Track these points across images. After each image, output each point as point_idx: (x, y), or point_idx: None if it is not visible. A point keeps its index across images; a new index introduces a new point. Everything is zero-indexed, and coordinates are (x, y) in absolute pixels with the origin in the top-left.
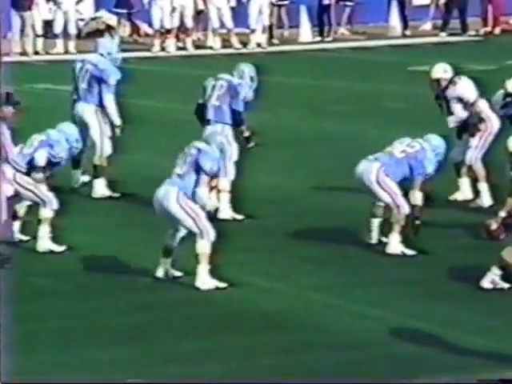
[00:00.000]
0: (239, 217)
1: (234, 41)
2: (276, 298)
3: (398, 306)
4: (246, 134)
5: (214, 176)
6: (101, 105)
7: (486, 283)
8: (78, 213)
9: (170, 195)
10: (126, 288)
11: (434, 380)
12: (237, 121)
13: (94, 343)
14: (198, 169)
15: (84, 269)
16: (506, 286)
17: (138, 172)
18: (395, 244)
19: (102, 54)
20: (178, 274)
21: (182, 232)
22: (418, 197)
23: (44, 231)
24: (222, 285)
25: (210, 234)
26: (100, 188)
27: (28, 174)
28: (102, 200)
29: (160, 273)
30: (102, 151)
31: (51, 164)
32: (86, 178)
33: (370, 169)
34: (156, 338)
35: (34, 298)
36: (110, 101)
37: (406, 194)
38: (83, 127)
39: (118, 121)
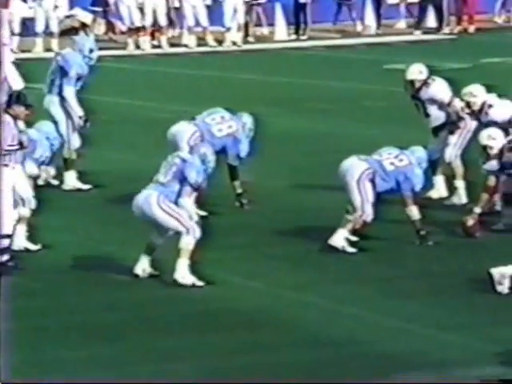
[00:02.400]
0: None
1: (210, 39)
2: (252, 296)
3: (373, 304)
4: (239, 190)
5: (197, 187)
6: (62, 96)
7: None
8: (53, 211)
9: (150, 199)
10: (101, 286)
11: (433, 380)
12: (231, 173)
13: (70, 342)
14: (183, 179)
15: (59, 267)
16: (506, 291)
17: (112, 169)
18: (339, 238)
19: (75, 50)
20: (155, 272)
21: (170, 232)
22: (414, 212)
23: (20, 230)
24: (200, 283)
25: (196, 231)
26: (70, 180)
27: None
28: (77, 198)
29: (138, 270)
30: (69, 144)
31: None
32: (85, 186)
33: (357, 166)
34: (132, 335)
35: (7, 296)
36: (69, 93)
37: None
38: (50, 120)
39: (79, 111)
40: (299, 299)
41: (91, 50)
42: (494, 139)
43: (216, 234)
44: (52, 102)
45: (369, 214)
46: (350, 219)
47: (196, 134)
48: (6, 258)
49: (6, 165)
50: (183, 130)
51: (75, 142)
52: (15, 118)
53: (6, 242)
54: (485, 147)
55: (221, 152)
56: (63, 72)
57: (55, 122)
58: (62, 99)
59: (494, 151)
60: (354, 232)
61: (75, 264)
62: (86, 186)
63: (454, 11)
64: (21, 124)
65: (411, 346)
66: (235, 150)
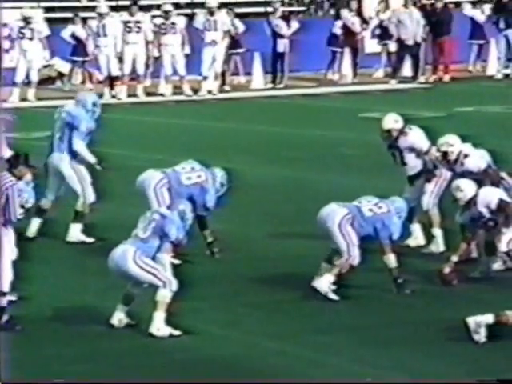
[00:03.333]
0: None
1: (186, 88)
2: (229, 345)
3: (350, 352)
4: (209, 239)
5: (178, 243)
6: (72, 153)
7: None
8: (28, 261)
9: (127, 254)
10: (77, 337)
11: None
12: (200, 223)
13: None
14: (162, 235)
15: (36, 318)
16: (483, 340)
17: (92, 218)
18: (324, 283)
19: (77, 105)
20: (131, 322)
21: (146, 284)
22: (392, 259)
23: None
24: (176, 332)
25: (173, 284)
26: (75, 232)
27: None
28: (51, 247)
29: (115, 320)
30: (85, 198)
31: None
32: (87, 238)
33: (337, 211)
34: None
35: None
36: (79, 145)
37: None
38: (57, 177)
39: (92, 159)
40: (276, 348)
41: (94, 104)
42: (461, 191)
43: (192, 284)
44: (62, 160)
45: (355, 257)
46: (335, 263)
47: (163, 181)
48: (5, 318)
49: (5, 226)
50: (150, 177)
51: (90, 196)
52: (19, 178)
53: (3, 302)
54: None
55: (188, 201)
56: (72, 128)
57: (58, 177)
58: (72, 156)
59: (461, 203)
60: (338, 276)
61: (50, 315)
62: (90, 240)
63: (430, 60)
64: None
65: None
66: (202, 200)
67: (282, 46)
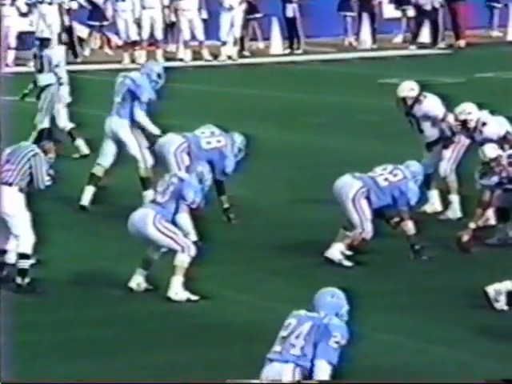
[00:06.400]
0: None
1: (205, 53)
2: (247, 310)
3: (366, 318)
4: (226, 205)
5: (196, 207)
6: (132, 119)
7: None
8: (47, 226)
9: (146, 218)
10: (95, 300)
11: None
12: (218, 188)
13: (62, 356)
14: (180, 198)
15: (53, 282)
16: (505, 307)
17: (103, 183)
18: (335, 252)
19: (142, 74)
20: (149, 287)
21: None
22: (410, 226)
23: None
24: (194, 297)
25: (191, 249)
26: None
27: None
28: (69, 212)
29: (133, 283)
30: (145, 163)
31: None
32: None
33: (351, 184)
34: (125, 350)
35: (2, 311)
36: (141, 116)
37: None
38: (115, 141)
39: (156, 131)
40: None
41: (159, 75)
42: (496, 150)
43: (210, 249)
44: (122, 126)
45: (368, 232)
46: (348, 234)
47: (183, 146)
48: (27, 280)
49: (21, 190)
50: (171, 141)
51: (149, 159)
52: (45, 152)
53: (26, 264)
54: (488, 162)
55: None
56: (134, 96)
57: (117, 142)
58: (132, 122)
59: (504, 162)
60: (349, 247)
61: (69, 279)
62: None
63: (450, 26)
64: None
65: (404, 361)
66: (221, 165)
67: (291, 10)
